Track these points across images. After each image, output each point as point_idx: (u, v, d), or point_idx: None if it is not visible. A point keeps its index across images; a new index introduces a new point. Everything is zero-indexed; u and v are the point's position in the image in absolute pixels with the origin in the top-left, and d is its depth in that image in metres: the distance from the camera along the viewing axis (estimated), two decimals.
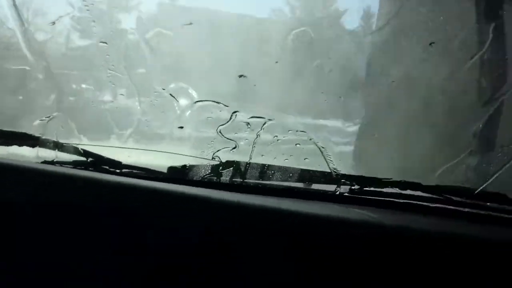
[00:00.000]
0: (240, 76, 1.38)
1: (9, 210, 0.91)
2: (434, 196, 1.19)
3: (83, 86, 1.59)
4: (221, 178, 1.26)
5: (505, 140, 1.43)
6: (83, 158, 1.12)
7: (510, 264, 0.98)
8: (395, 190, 1.21)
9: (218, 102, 1.34)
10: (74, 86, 1.58)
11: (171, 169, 1.21)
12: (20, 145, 1.15)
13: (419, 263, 0.96)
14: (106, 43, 1.33)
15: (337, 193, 1.24)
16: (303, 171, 1.27)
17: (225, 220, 0.96)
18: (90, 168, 1.10)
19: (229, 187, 1.22)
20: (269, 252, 0.94)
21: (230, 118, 1.33)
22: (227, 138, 1.32)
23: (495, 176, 1.25)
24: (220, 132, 1.32)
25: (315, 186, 1.28)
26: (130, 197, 0.96)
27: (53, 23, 1.37)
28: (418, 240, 0.99)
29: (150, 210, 0.94)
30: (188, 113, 1.39)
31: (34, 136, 1.16)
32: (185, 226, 0.93)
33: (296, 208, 1.01)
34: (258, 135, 1.34)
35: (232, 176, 1.27)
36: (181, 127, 1.42)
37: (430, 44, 1.42)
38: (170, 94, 1.37)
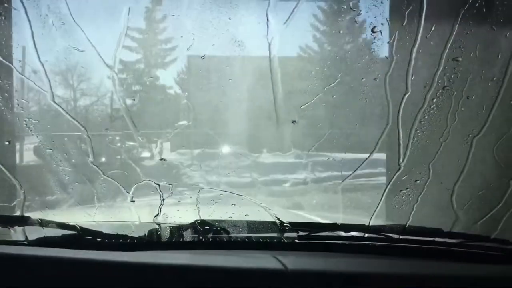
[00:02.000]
0: None
1: None
2: (374, 235, 1.36)
3: None
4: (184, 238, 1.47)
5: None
6: (72, 232, 1.26)
7: None
8: (341, 233, 1.37)
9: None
10: None
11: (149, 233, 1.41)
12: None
13: None
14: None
15: (285, 240, 1.40)
16: (249, 223, 1.50)
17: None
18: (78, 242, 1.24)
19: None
20: None
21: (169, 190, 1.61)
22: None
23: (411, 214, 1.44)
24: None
25: (263, 235, 1.45)
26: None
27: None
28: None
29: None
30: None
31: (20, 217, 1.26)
32: None
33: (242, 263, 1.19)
34: (197, 200, 1.62)
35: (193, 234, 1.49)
36: (133, 201, 1.66)
37: None
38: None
